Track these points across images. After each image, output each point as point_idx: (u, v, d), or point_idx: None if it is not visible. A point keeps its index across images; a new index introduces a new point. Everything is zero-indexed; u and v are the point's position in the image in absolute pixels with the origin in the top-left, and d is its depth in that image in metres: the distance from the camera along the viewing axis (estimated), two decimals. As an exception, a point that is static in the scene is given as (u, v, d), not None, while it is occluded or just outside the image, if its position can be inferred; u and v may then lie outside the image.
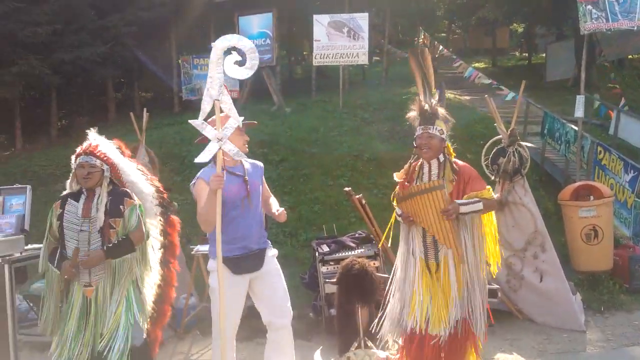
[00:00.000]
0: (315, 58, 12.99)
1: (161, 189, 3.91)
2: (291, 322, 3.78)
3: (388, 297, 3.81)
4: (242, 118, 3.46)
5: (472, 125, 11.20)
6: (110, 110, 15.08)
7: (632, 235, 6.88)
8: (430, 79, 3.64)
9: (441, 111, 3.58)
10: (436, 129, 3.49)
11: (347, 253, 5.30)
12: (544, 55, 21.10)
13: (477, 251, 3.49)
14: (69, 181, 3.61)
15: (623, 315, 5.54)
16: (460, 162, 3.60)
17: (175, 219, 3.99)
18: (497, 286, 5.05)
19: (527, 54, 24.18)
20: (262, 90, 14.16)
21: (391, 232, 3.96)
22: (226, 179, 3.41)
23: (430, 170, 3.57)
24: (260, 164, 3.84)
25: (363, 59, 13.08)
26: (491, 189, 3.55)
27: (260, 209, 3.67)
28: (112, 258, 3.41)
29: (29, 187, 4.91)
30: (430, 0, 21.93)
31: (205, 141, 3.38)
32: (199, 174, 3.56)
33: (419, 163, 3.64)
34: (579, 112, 7.95)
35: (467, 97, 14.83)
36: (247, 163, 3.70)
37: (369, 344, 4.47)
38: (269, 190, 3.89)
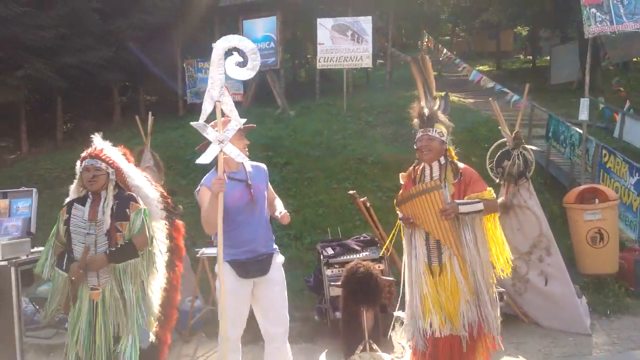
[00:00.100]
0: (319, 61, 13.03)
1: (165, 194, 3.92)
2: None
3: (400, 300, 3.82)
4: (245, 120, 3.45)
5: (476, 128, 11.21)
6: (115, 114, 15.14)
7: (637, 238, 6.86)
8: (431, 84, 3.71)
9: (442, 116, 3.61)
10: (436, 131, 3.53)
11: (351, 256, 5.30)
12: (548, 58, 21.11)
13: (481, 251, 3.49)
14: (73, 186, 3.63)
15: (629, 319, 5.52)
16: (461, 165, 3.62)
17: (180, 223, 4.01)
18: (503, 289, 5.04)
19: (531, 57, 24.20)
20: (266, 93, 14.20)
21: (395, 235, 3.96)
22: (228, 185, 3.41)
23: (431, 173, 3.59)
24: (264, 166, 3.83)
25: (367, 62, 13.11)
26: (492, 191, 3.56)
27: (266, 212, 3.67)
28: (114, 262, 3.42)
29: (35, 190, 4.94)
30: (434, 3, 21.95)
31: (206, 148, 3.39)
32: (202, 181, 3.56)
33: (421, 166, 3.66)
34: (584, 115, 7.94)
35: (472, 100, 14.84)
36: (250, 166, 3.69)
37: (374, 346, 4.47)
38: (274, 193, 3.89)
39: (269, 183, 3.84)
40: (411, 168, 3.76)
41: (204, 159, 3.31)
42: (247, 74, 3.40)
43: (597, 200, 6.21)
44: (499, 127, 5.59)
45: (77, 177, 3.59)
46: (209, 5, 14.24)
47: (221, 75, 3.31)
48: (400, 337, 3.78)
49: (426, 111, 3.58)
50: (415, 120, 3.63)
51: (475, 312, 3.43)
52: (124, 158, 3.70)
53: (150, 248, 3.56)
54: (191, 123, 3.35)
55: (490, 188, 3.56)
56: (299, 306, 5.65)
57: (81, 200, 3.54)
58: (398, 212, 3.73)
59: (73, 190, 3.62)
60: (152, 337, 3.68)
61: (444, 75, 20.39)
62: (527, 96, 6.12)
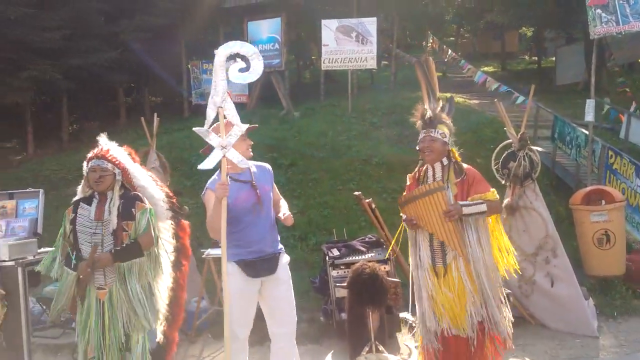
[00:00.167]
0: (323, 62, 13.03)
1: (170, 194, 3.93)
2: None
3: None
4: (247, 126, 3.47)
5: (481, 129, 11.19)
6: (120, 115, 15.20)
7: (644, 239, 6.84)
8: (434, 86, 3.73)
9: (445, 117, 3.62)
10: (438, 132, 3.54)
11: (357, 257, 5.30)
12: (553, 58, 21.08)
13: (485, 252, 3.48)
14: (80, 187, 3.65)
15: (636, 321, 5.50)
16: (464, 165, 3.62)
17: (186, 222, 4.02)
18: (509, 291, 5.03)
19: (536, 58, 24.12)
20: (271, 94, 14.22)
21: (401, 237, 3.96)
22: (234, 187, 3.45)
23: (434, 174, 3.60)
24: (268, 166, 3.84)
25: (371, 64, 13.09)
26: (495, 191, 3.56)
27: (271, 212, 3.69)
28: (120, 261, 3.43)
29: (41, 191, 4.97)
30: (439, 4, 21.95)
31: (210, 151, 3.41)
32: (207, 184, 3.58)
33: (424, 168, 3.67)
34: (590, 116, 7.91)
35: (476, 101, 14.81)
36: (254, 167, 3.70)
37: (380, 348, 4.47)
38: (279, 193, 3.89)
39: (274, 183, 3.85)
40: (416, 169, 3.77)
41: (207, 164, 3.36)
42: (250, 77, 3.45)
43: (603, 202, 6.18)
44: (505, 128, 5.59)
45: (83, 177, 3.61)
46: (214, 7, 14.28)
47: (224, 82, 3.36)
48: (406, 338, 3.76)
49: (429, 113, 3.60)
50: (418, 122, 3.65)
51: (481, 312, 3.43)
52: (129, 158, 3.71)
53: (155, 248, 3.57)
54: (194, 129, 3.40)
55: (494, 189, 3.56)
56: (304, 307, 5.64)
57: (87, 200, 3.55)
58: (402, 213, 3.74)
59: (80, 191, 3.64)
60: (159, 337, 3.69)
61: (449, 76, 20.38)
62: (533, 97, 6.10)
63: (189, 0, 14.00)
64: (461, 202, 3.44)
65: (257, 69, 3.42)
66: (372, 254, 5.38)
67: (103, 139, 3.67)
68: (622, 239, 6.15)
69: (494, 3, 19.17)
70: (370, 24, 12.73)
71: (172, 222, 3.86)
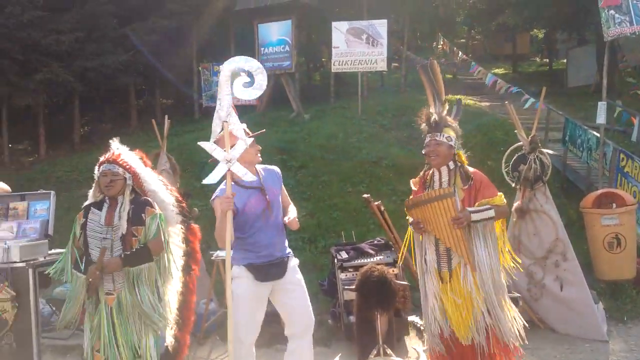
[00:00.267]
0: (333, 65, 13.04)
1: (180, 198, 3.95)
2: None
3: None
4: (251, 140, 3.49)
5: (492, 132, 11.15)
6: (131, 117, 15.29)
7: (656, 243, 6.76)
8: (440, 90, 3.71)
9: (451, 121, 3.61)
10: (444, 136, 3.53)
11: (366, 260, 5.29)
12: (565, 61, 20.94)
13: (492, 257, 3.47)
14: (91, 191, 3.67)
15: (647, 325, 5.46)
16: (471, 169, 3.60)
17: (196, 226, 4.04)
18: (518, 295, 5.01)
19: (547, 60, 24.00)
20: (281, 97, 14.25)
21: (410, 240, 3.95)
22: (243, 193, 3.49)
23: (440, 178, 3.58)
24: (277, 169, 3.85)
25: (382, 66, 13.08)
26: (502, 196, 3.54)
27: (280, 216, 3.69)
28: (129, 266, 3.44)
29: (52, 192, 5.00)
30: (450, 6, 21.85)
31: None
32: (217, 191, 3.58)
33: (431, 171, 3.66)
34: (601, 119, 7.86)
35: (487, 103, 14.75)
36: (262, 171, 3.72)
37: (388, 351, 4.46)
38: (289, 199, 3.89)
39: (284, 187, 3.85)
40: (421, 173, 3.76)
41: (212, 178, 3.39)
42: (254, 93, 3.48)
43: (614, 205, 6.13)
44: (515, 131, 5.56)
45: (94, 182, 3.63)
46: (225, 10, 14.35)
47: (228, 96, 3.40)
48: (414, 341, 3.76)
49: (434, 116, 3.58)
50: (424, 126, 3.64)
51: (487, 319, 3.41)
52: (141, 162, 3.73)
53: (165, 253, 3.59)
54: (199, 143, 3.44)
55: (501, 193, 3.54)
56: (312, 310, 5.64)
57: (98, 205, 3.57)
58: (408, 216, 3.74)
59: (91, 196, 3.66)
60: (168, 341, 3.70)
61: (460, 78, 20.32)
62: (544, 99, 6.07)
63: (199, 3, 14.08)
64: (470, 209, 3.43)
65: (261, 84, 3.46)
66: (381, 257, 5.37)
67: (115, 144, 3.69)
68: (632, 243, 6.09)
69: (507, 4, 19.06)
70: (380, 26, 12.72)
71: (182, 227, 3.87)
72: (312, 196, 8.97)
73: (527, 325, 3.59)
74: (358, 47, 12.68)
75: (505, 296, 3.50)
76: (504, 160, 5.67)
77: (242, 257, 3.59)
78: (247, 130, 3.58)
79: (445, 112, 3.64)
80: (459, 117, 3.71)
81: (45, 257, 4.49)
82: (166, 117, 6.36)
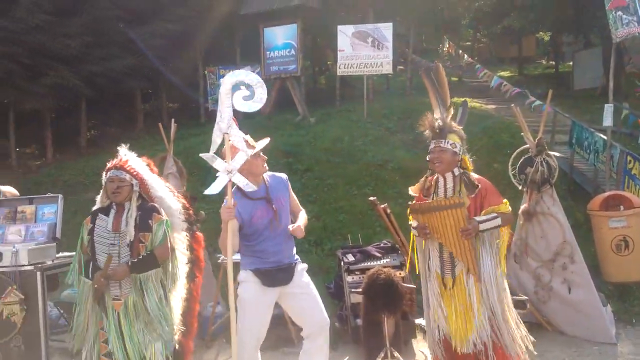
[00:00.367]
0: (339, 68, 13.04)
1: (187, 205, 3.97)
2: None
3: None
4: (252, 151, 3.49)
5: (498, 135, 11.11)
6: (138, 121, 15.34)
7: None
8: (444, 95, 3.70)
9: (455, 127, 3.59)
10: (448, 142, 3.51)
11: (372, 263, 5.30)
12: (571, 63, 20.86)
13: (496, 268, 3.45)
14: (99, 197, 3.69)
15: (655, 328, 5.43)
16: (475, 176, 3.58)
17: (201, 235, 4.06)
18: (526, 297, 5.00)
19: (554, 62, 23.90)
20: (287, 100, 14.26)
21: (415, 243, 3.95)
22: (250, 205, 3.52)
23: (445, 184, 3.57)
24: (284, 176, 3.84)
25: (387, 69, 13.07)
26: (507, 203, 3.52)
27: (288, 223, 3.67)
28: (136, 273, 3.46)
29: (60, 196, 5.02)
30: (455, 9, 21.82)
31: None
32: (225, 201, 3.59)
33: (435, 177, 3.64)
34: (608, 121, 7.83)
35: (493, 106, 14.71)
36: (269, 178, 3.72)
37: (395, 354, 4.45)
38: (299, 205, 3.88)
39: (293, 194, 3.85)
40: (423, 179, 3.74)
41: (213, 189, 3.42)
42: (254, 106, 3.49)
43: (622, 207, 6.11)
44: (522, 134, 5.55)
45: (102, 187, 3.65)
46: (230, 14, 14.36)
47: (229, 109, 3.43)
48: (421, 344, 3.75)
49: (438, 123, 3.56)
50: (427, 132, 3.62)
51: (488, 329, 3.38)
52: (148, 169, 3.74)
53: (171, 260, 3.60)
54: (200, 155, 3.46)
55: (506, 200, 3.53)
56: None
57: (105, 211, 3.59)
58: (411, 220, 3.72)
59: (98, 201, 3.67)
60: (174, 347, 3.70)
61: (465, 81, 20.27)
62: (550, 102, 6.05)
63: (205, 7, 14.11)
64: (477, 218, 3.41)
65: (261, 97, 3.47)
66: (388, 260, 5.37)
67: (122, 150, 3.71)
68: (641, 245, 6.07)
69: (512, 7, 19.03)
70: (386, 29, 12.72)
71: (187, 234, 3.88)
72: (318, 199, 8.97)
73: (531, 338, 3.55)
74: (364, 50, 12.68)
75: (509, 305, 3.48)
76: (510, 163, 5.66)
77: (249, 262, 3.60)
78: (251, 141, 3.59)
79: (449, 117, 3.61)
80: (463, 122, 3.69)
81: (53, 260, 4.52)
82: (172, 120, 6.37)
